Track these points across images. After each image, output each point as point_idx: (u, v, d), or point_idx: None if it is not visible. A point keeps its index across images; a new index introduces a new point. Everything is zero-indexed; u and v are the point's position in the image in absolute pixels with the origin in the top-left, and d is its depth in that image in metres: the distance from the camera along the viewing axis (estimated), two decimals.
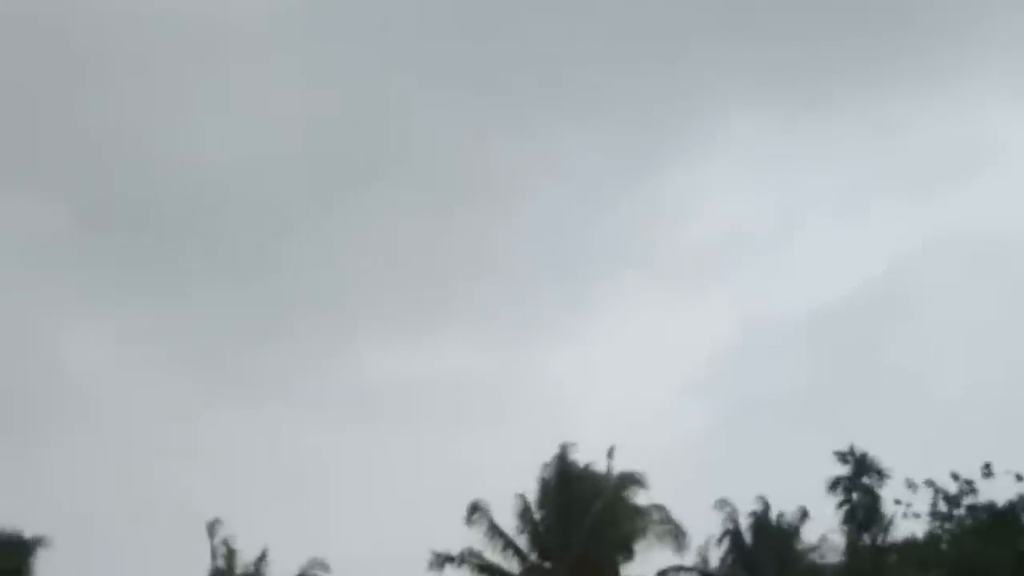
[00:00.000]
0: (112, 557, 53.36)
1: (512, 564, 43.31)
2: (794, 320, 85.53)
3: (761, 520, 44.20)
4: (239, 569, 46.67)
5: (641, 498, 44.42)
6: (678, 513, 44.25)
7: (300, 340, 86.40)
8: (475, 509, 42.93)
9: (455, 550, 43.27)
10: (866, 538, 40.45)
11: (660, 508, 44.01)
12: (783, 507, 44.76)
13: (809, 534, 44.30)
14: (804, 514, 43.83)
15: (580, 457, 44.46)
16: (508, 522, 43.37)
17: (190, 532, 47.46)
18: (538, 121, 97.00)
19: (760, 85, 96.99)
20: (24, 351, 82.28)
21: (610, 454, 43.89)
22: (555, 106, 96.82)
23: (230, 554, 46.52)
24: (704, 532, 44.96)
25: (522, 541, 43.14)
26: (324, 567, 45.90)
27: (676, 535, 43.66)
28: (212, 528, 45.81)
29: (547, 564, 42.99)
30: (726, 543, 44.04)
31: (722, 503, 43.85)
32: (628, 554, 43.59)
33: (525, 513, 43.05)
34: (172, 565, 49.66)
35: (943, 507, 37.09)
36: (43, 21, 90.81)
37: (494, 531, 42.81)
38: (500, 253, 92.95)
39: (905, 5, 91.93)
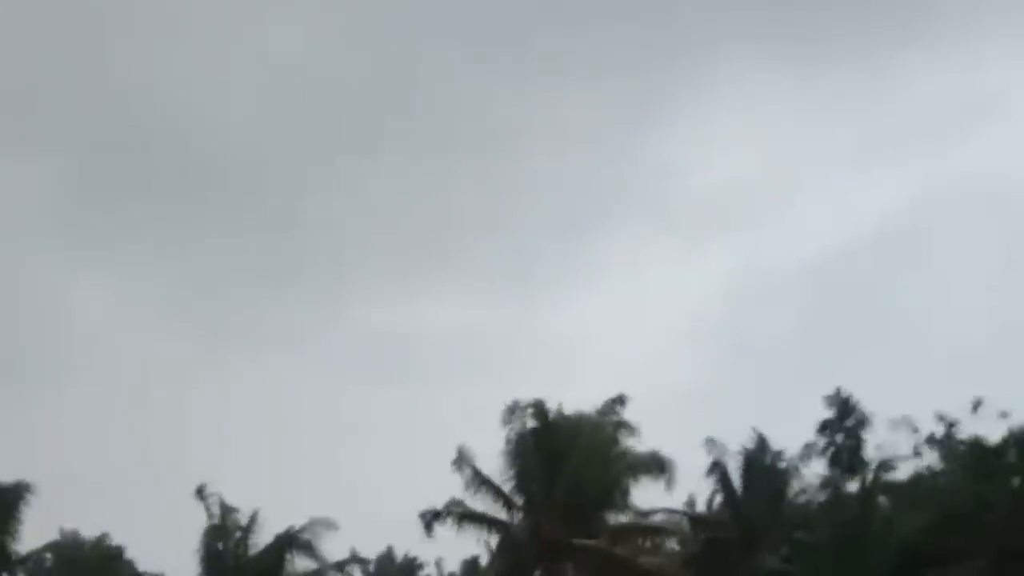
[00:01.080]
0: (106, 508, 53.35)
1: (500, 512, 42.69)
2: (796, 269, 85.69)
3: (752, 459, 43.52)
4: (234, 525, 45.74)
5: (631, 442, 43.57)
6: (672, 457, 43.39)
7: (303, 297, 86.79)
8: (460, 456, 42.21)
9: (442, 504, 42.43)
10: (851, 482, 39.97)
11: (651, 452, 43.31)
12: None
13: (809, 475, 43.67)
14: (806, 453, 42.79)
15: (574, 404, 43.65)
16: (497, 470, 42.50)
17: (187, 485, 46.34)
18: (542, 82, 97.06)
19: (763, 43, 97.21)
20: (30, 307, 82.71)
21: (620, 401, 43.06)
22: (558, 67, 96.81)
23: (225, 511, 45.58)
24: (698, 477, 44.44)
25: (508, 488, 42.46)
26: (328, 524, 44.83)
27: (666, 477, 43.00)
28: (202, 491, 45.22)
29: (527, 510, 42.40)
30: (713, 484, 43.45)
31: (710, 442, 43.18)
32: (615, 497, 42.88)
33: (509, 460, 42.38)
34: (168, 518, 49.32)
35: (925, 447, 36.94)
36: None
37: (479, 479, 42.18)
38: (506, 211, 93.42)
39: None
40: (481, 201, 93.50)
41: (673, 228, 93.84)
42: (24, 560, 49.79)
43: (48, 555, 52.41)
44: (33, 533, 50.02)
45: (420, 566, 54.30)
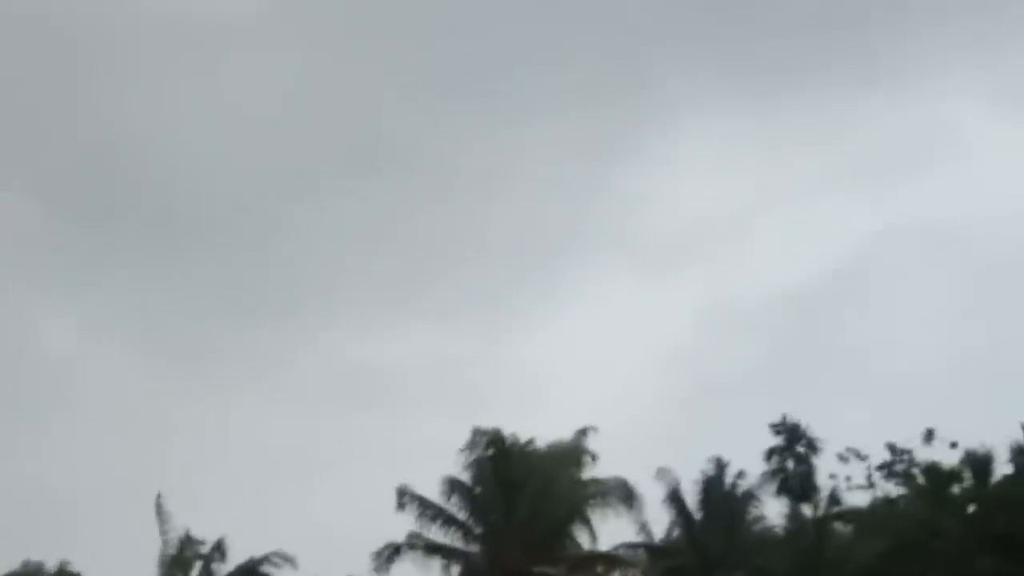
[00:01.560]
0: (71, 538, 53.12)
1: (458, 542, 42.70)
2: (759, 302, 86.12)
3: (710, 487, 43.60)
4: (191, 554, 45.88)
5: (594, 472, 43.77)
6: (635, 485, 43.52)
7: (273, 328, 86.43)
8: (403, 494, 42.06)
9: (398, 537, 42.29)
10: (805, 509, 40.08)
11: (614, 479, 43.34)
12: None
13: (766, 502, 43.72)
14: (763, 481, 42.68)
15: (541, 435, 43.78)
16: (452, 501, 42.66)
17: (151, 517, 46.58)
18: (504, 116, 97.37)
19: (726, 76, 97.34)
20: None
21: (585, 433, 43.21)
22: (520, 102, 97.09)
23: (186, 542, 45.72)
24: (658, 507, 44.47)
25: (467, 517, 42.47)
26: (286, 558, 45.02)
27: (630, 504, 43.04)
28: (159, 508, 45.20)
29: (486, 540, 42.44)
30: (671, 513, 43.50)
31: (663, 472, 43.22)
32: (576, 526, 42.95)
33: (462, 490, 42.41)
34: (132, 547, 49.00)
35: (878, 476, 37.09)
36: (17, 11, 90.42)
37: (434, 510, 42.16)
38: (472, 246, 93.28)
39: (863, 4, 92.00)
40: (447, 235, 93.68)
41: (638, 260, 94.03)
42: None
43: None
44: None
45: None
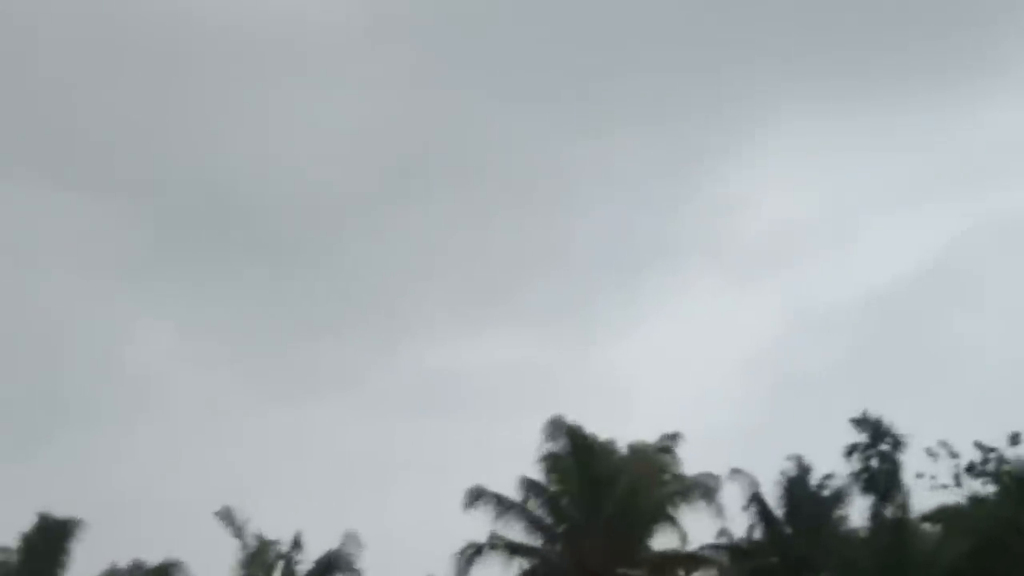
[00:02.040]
0: (152, 543, 53.56)
1: (538, 540, 42.29)
2: (846, 306, 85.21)
3: (793, 488, 42.85)
4: (272, 554, 46.35)
5: (675, 471, 43.40)
6: (718, 484, 42.78)
7: (360, 335, 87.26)
8: (477, 494, 41.60)
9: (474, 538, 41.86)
10: (890, 508, 39.32)
11: (698, 477, 42.76)
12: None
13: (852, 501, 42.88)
14: (849, 481, 41.79)
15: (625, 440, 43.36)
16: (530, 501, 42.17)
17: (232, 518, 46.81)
18: (595, 123, 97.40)
19: (814, 82, 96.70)
20: (91, 346, 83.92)
21: (673, 438, 42.86)
22: (611, 109, 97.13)
23: (263, 543, 46.22)
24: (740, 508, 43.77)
25: (547, 516, 42.08)
26: (356, 542, 45.46)
27: (713, 504, 42.41)
28: (227, 515, 45.60)
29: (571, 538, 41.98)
30: (752, 515, 42.80)
31: (739, 473, 42.57)
32: (659, 525, 42.36)
33: (539, 489, 42.02)
34: (216, 551, 49.28)
35: (965, 476, 36.32)
36: (117, 23, 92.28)
37: (515, 511, 41.83)
38: (559, 251, 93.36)
39: (949, 12, 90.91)
40: (534, 241, 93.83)
41: (724, 265, 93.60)
42: None
43: None
44: (86, 567, 50.68)
45: None
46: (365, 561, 45.68)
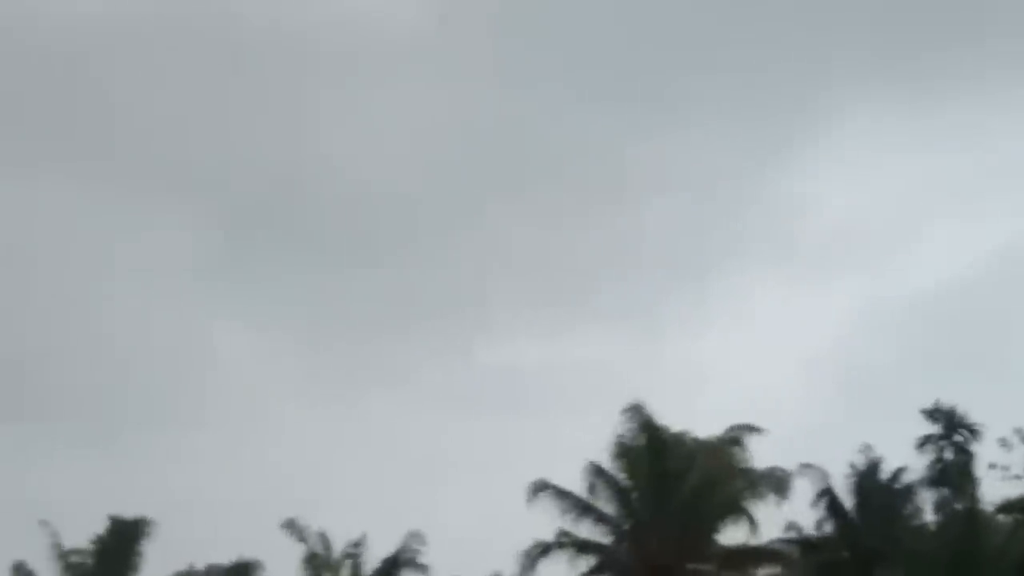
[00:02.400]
0: (222, 542, 53.82)
1: (604, 536, 41.91)
2: (914, 303, 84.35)
3: (864, 481, 42.27)
4: (336, 553, 46.92)
5: (746, 466, 42.75)
6: (786, 481, 42.37)
7: (428, 333, 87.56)
8: (541, 487, 41.16)
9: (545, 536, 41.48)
10: (963, 499, 38.74)
11: (768, 470, 42.19)
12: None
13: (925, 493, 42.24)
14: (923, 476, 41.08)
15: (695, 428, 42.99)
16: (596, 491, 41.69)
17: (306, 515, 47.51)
18: (664, 125, 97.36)
19: (881, 80, 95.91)
20: (170, 347, 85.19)
21: (744, 429, 42.28)
22: (681, 107, 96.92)
23: (326, 542, 46.76)
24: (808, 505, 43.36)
25: (613, 511, 41.71)
26: (420, 540, 45.98)
27: (783, 499, 41.87)
28: (292, 524, 46.06)
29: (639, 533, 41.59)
30: (822, 508, 42.30)
31: (809, 467, 42.03)
32: (727, 520, 41.84)
33: (608, 479, 41.64)
34: (277, 550, 49.38)
35: None
36: (186, 25, 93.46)
37: (581, 507, 41.46)
38: (630, 251, 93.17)
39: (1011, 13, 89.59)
40: (602, 240, 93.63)
41: (793, 264, 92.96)
42: None
43: None
44: (159, 568, 51.03)
45: None
46: (429, 559, 46.27)
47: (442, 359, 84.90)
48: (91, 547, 49.87)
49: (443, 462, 69.87)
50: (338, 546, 46.76)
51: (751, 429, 42.46)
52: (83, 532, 50.07)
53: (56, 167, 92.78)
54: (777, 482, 41.87)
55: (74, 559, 49.64)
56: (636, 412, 41.60)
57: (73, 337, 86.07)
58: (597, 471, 41.55)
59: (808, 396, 73.65)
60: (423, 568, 45.95)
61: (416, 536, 45.92)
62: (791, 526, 42.53)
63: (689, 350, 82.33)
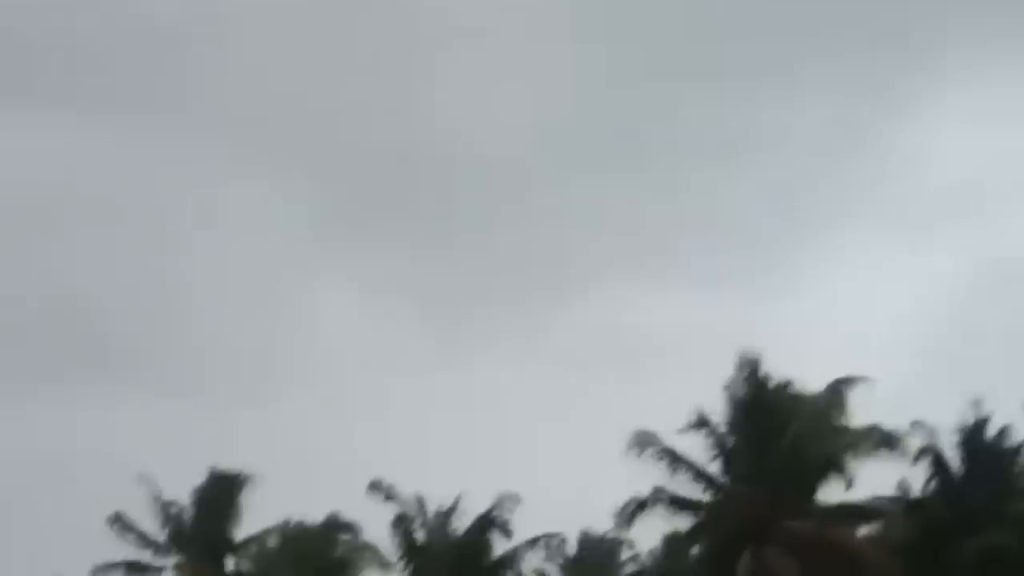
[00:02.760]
0: (326, 500, 53.88)
1: (703, 493, 40.98)
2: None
3: (972, 439, 40.77)
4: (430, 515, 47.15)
5: (850, 422, 41.07)
6: (892, 437, 40.63)
7: (532, 295, 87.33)
8: (643, 440, 40.27)
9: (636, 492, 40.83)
10: None
11: (872, 426, 40.53)
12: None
13: None
14: None
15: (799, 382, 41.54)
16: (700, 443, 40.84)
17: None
18: (772, 78, 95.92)
19: (987, 31, 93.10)
20: (277, 310, 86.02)
21: (846, 383, 40.74)
22: (787, 68, 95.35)
23: (419, 501, 46.97)
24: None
25: (712, 467, 40.73)
26: (514, 501, 45.87)
27: (888, 456, 40.46)
28: (379, 486, 46.12)
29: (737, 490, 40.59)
30: (927, 468, 40.89)
31: (919, 424, 40.57)
32: (829, 477, 40.56)
33: (713, 432, 40.62)
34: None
35: None
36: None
37: (679, 462, 40.51)
38: (737, 210, 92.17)
39: None
40: (708, 201, 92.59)
41: (905, 221, 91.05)
42: (246, 544, 50.91)
43: (270, 540, 53.07)
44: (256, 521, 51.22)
45: (620, 543, 53.21)
46: (524, 519, 46.38)
47: (550, 320, 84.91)
48: (190, 499, 50.20)
49: (546, 422, 69.65)
50: (432, 507, 47.00)
51: (855, 384, 40.92)
52: (182, 486, 50.59)
53: (161, 120, 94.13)
54: (880, 439, 40.39)
55: (173, 511, 50.01)
56: (738, 367, 40.60)
57: (179, 292, 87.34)
58: (697, 426, 40.58)
59: (915, 355, 71.97)
60: (508, 532, 46.06)
61: (509, 498, 45.86)
62: (896, 484, 41.31)
63: (797, 309, 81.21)
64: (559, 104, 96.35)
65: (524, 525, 46.54)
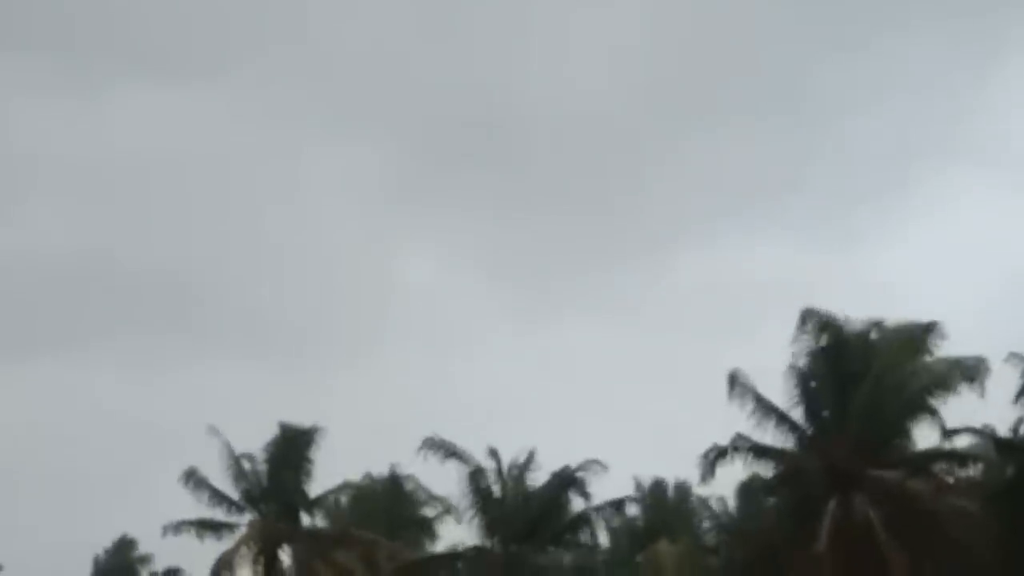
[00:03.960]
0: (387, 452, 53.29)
1: (786, 441, 39.00)
2: None
3: None
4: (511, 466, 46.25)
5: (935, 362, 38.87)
6: (980, 371, 37.99)
7: (613, 260, 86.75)
8: (735, 381, 38.41)
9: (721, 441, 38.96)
10: None
11: (958, 360, 38.08)
12: None
13: None
14: None
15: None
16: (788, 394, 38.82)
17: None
18: (876, 30, 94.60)
19: None
20: (361, 274, 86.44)
21: (930, 329, 38.49)
22: (891, 14, 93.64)
23: (493, 455, 46.20)
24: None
25: (795, 414, 38.73)
26: (598, 467, 45.14)
27: (977, 384, 37.92)
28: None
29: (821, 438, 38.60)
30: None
31: (1015, 356, 38.13)
32: (915, 421, 38.49)
33: (796, 383, 38.56)
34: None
35: None
36: None
37: (762, 406, 38.58)
38: (830, 158, 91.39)
39: None
40: (804, 149, 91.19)
41: (1003, 168, 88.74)
42: (320, 499, 50.13)
43: (342, 496, 52.52)
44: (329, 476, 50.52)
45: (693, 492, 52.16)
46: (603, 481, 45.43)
47: (632, 280, 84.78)
48: (263, 454, 49.29)
49: (636, 378, 69.00)
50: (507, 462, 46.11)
51: (936, 326, 38.68)
52: (254, 440, 49.73)
53: (249, 88, 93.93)
54: (970, 374, 37.96)
55: (247, 467, 49.15)
56: (812, 316, 38.55)
57: (266, 251, 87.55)
58: (784, 374, 38.80)
59: (1009, 303, 69.92)
60: (587, 494, 45.32)
61: (593, 463, 45.13)
62: (985, 428, 39.11)
63: (889, 257, 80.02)
64: (648, 60, 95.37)
65: (602, 487, 45.88)
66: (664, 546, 48.01)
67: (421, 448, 45.26)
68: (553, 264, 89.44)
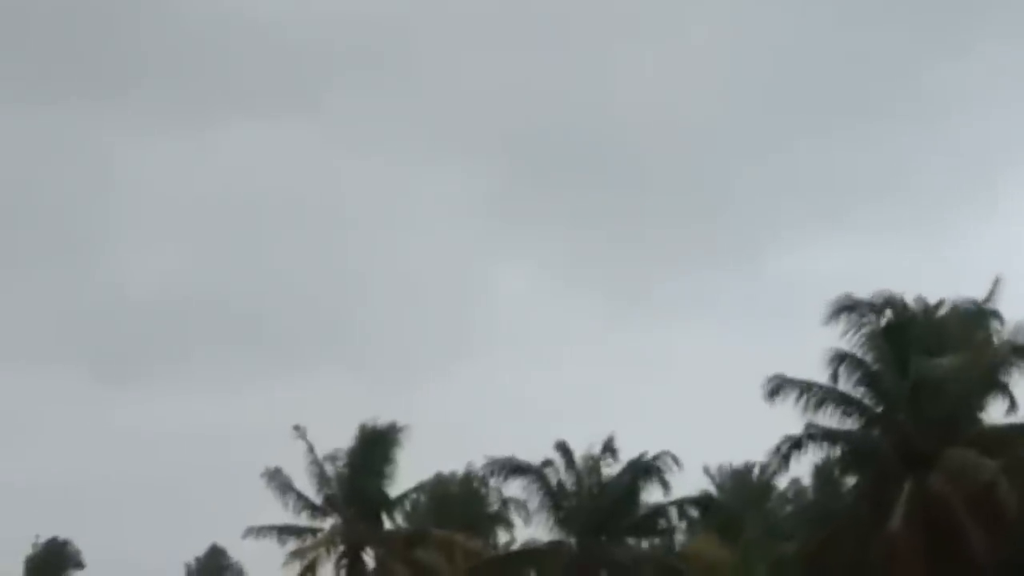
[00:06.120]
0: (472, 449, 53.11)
1: (855, 423, 37.91)
2: None
3: None
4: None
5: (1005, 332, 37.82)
6: None
7: (707, 265, 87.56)
8: (777, 381, 37.33)
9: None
10: None
11: None
12: None
13: None
14: None
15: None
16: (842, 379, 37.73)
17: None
18: (968, 41, 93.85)
19: None
20: (459, 287, 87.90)
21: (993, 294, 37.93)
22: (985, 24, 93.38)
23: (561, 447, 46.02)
24: None
25: (861, 395, 37.54)
26: (674, 461, 44.91)
27: None
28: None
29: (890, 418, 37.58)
30: None
31: None
32: (990, 396, 37.27)
33: (854, 364, 37.29)
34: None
35: None
36: None
37: (825, 394, 37.45)
38: (912, 165, 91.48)
39: None
40: (893, 154, 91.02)
41: None
42: (400, 500, 49.95)
43: (421, 495, 52.37)
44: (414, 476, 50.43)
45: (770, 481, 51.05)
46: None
47: (720, 281, 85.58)
48: (345, 458, 49.16)
49: (720, 376, 68.72)
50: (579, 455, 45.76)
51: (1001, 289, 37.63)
52: (338, 441, 49.66)
53: (353, 108, 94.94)
54: None
55: (328, 468, 49.08)
56: (876, 294, 37.59)
57: (361, 268, 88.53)
58: (841, 356, 37.57)
59: None
60: (665, 483, 44.73)
61: (669, 456, 44.80)
62: None
63: (988, 255, 79.16)
64: (744, 64, 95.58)
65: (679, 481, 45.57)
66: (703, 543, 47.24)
67: (484, 469, 46.00)
68: (650, 271, 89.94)
